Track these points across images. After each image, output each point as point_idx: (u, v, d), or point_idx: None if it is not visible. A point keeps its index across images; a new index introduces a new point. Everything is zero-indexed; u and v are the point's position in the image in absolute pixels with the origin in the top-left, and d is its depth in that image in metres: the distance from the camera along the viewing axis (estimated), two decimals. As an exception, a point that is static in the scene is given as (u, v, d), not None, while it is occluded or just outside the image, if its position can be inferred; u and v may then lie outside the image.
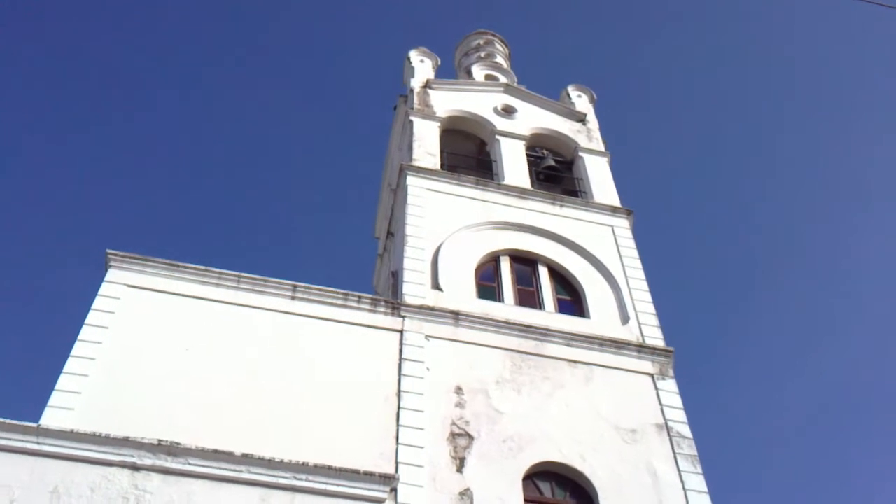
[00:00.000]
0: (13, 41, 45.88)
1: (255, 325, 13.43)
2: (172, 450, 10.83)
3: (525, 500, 11.97)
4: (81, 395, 11.55)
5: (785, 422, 38.94)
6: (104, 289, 13.20)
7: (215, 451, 10.95)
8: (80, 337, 12.33)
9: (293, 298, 13.97)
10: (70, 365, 11.89)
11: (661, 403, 13.91)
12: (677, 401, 13.99)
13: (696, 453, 13.18)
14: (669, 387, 14.23)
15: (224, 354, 12.80)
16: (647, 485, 12.57)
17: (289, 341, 13.33)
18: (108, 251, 13.57)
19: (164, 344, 12.70)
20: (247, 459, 10.99)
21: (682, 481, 12.70)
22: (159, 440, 10.89)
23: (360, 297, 14.24)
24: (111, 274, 13.43)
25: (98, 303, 12.97)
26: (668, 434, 13.41)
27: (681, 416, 13.76)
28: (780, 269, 44.00)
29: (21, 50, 46.24)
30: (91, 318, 12.68)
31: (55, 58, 47.80)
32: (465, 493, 11.76)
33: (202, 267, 13.89)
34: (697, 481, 12.76)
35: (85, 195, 45.45)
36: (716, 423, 35.86)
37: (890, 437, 37.00)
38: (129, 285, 13.36)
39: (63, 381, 11.64)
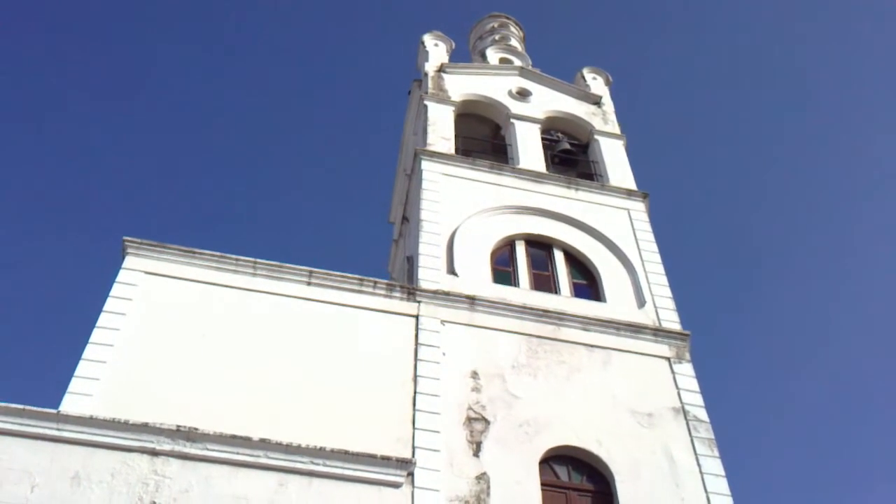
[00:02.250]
0: (38, 32, 46.07)
1: (271, 311, 13.48)
2: (191, 435, 10.91)
3: (542, 484, 11.99)
4: (100, 381, 11.64)
5: (801, 405, 38.78)
6: (122, 276, 13.28)
7: (233, 437, 11.02)
8: (98, 324, 12.41)
9: (309, 284, 14.00)
10: (89, 352, 11.98)
11: (677, 387, 13.88)
12: (694, 384, 13.95)
13: (712, 437, 13.15)
14: (686, 370, 14.19)
15: (241, 340, 12.86)
16: (663, 469, 12.56)
17: (305, 327, 13.37)
18: (125, 238, 13.64)
19: (182, 330, 12.77)
20: (264, 444, 11.06)
21: (699, 465, 12.68)
22: (178, 426, 10.97)
23: (375, 283, 14.26)
24: (128, 261, 13.50)
25: (116, 290, 13.05)
26: (685, 418, 13.38)
27: (697, 399, 13.72)
28: (796, 252, 43.73)
29: (41, 38, 46.43)
30: (109, 305, 12.76)
31: (73, 47, 47.98)
32: (482, 477, 11.79)
33: (219, 253, 13.93)
34: (714, 465, 12.73)
35: (103, 183, 45.74)
36: (733, 406, 35.75)
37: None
38: (146, 272, 13.43)
39: (82, 368, 11.74)
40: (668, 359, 14.37)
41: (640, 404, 13.47)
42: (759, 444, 37.63)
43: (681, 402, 13.66)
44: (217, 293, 13.52)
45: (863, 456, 36.62)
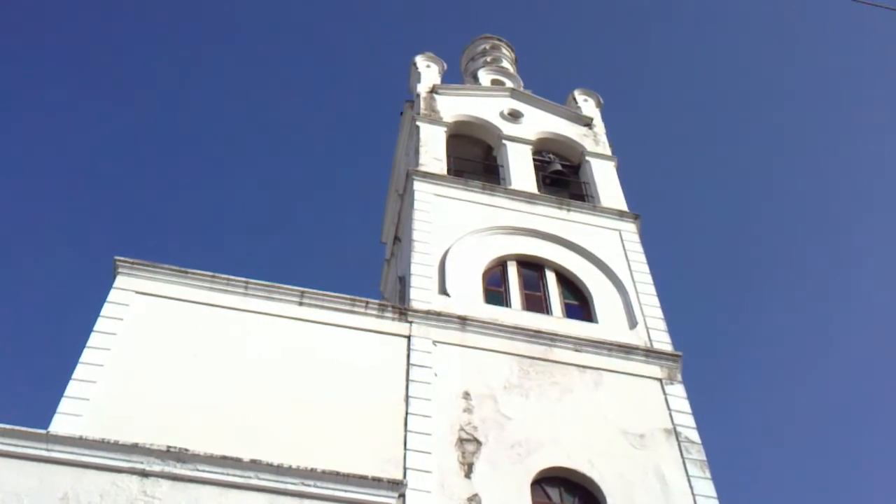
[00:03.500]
0: (22, 43, 46.11)
1: (263, 331, 13.46)
2: (181, 456, 10.83)
3: (534, 506, 11.95)
4: (90, 401, 11.58)
5: (794, 426, 38.80)
6: (113, 295, 13.24)
7: (223, 457, 10.94)
8: (88, 343, 12.36)
9: (301, 304, 13.99)
10: (79, 371, 11.93)
11: (669, 408, 13.89)
12: (686, 406, 13.96)
13: (704, 458, 13.15)
14: (678, 391, 14.20)
15: (232, 360, 12.83)
16: (655, 490, 12.54)
17: (297, 347, 13.34)
18: (117, 258, 13.61)
19: (173, 350, 12.73)
20: (255, 465, 10.98)
21: (690, 486, 12.67)
22: (168, 446, 10.89)
23: (367, 303, 14.26)
24: (119, 280, 13.47)
25: (106, 309, 13.01)
26: (677, 439, 13.38)
27: (689, 420, 13.73)
28: (787, 273, 43.92)
29: (30, 52, 46.48)
30: (100, 324, 12.72)
31: (62, 60, 48.02)
32: (474, 499, 11.75)
33: (210, 273, 13.92)
34: (706, 486, 12.72)
35: (93, 201, 45.63)
36: (725, 427, 35.73)
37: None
38: (137, 292, 13.40)
39: (72, 388, 11.68)
40: (659, 380, 14.39)
41: (632, 425, 13.47)
42: (752, 466, 37.59)
43: (672, 423, 13.66)
44: (209, 313, 13.50)
45: (856, 477, 36.62)
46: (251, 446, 11.35)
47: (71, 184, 45.53)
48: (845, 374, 39.48)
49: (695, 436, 13.49)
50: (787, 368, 40.90)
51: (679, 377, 14.48)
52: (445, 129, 19.89)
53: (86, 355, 12.16)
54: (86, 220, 44.59)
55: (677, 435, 13.44)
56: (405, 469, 11.82)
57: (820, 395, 39.72)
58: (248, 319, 13.58)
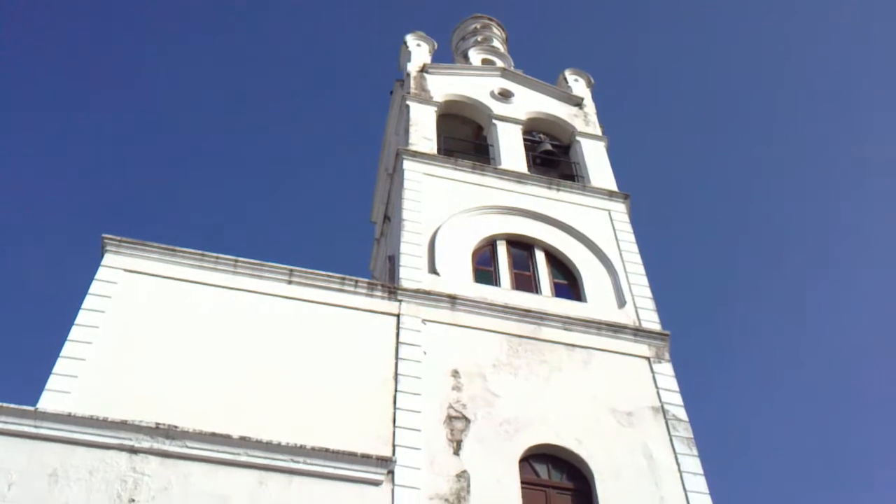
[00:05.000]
0: (9, 24, 45.64)
1: (252, 310, 13.44)
2: (170, 433, 10.87)
3: (521, 482, 12.03)
4: (79, 378, 11.57)
5: (781, 404, 39.08)
6: (101, 273, 13.20)
7: (213, 434, 10.99)
8: (77, 321, 12.33)
9: (290, 283, 13.97)
10: (67, 349, 11.90)
11: (657, 386, 13.97)
12: (673, 384, 14.05)
13: (691, 436, 13.24)
14: (665, 370, 14.29)
15: (221, 338, 12.82)
16: (643, 467, 12.64)
17: (286, 325, 13.34)
18: (105, 236, 13.56)
19: (162, 328, 12.71)
20: (244, 442, 11.03)
21: (678, 463, 12.77)
22: (157, 423, 10.92)
23: (357, 282, 14.26)
24: (108, 258, 13.42)
25: (95, 287, 12.97)
26: (665, 417, 13.47)
27: (677, 399, 13.82)
28: (777, 253, 44.08)
29: (16, 31, 46.01)
30: (88, 302, 12.68)
31: (54, 41, 47.58)
32: (462, 475, 11.81)
33: (199, 251, 13.88)
34: (693, 463, 12.83)
35: (82, 180, 45.38)
36: (712, 405, 36.02)
37: (888, 419, 37.17)
38: (126, 269, 13.36)
39: (60, 365, 11.66)
40: (647, 358, 14.47)
41: (620, 403, 13.55)
42: (739, 443, 37.90)
43: (660, 401, 13.75)
44: (197, 291, 13.47)
45: (845, 455, 36.98)
46: (241, 424, 11.39)
47: (59, 161, 45.26)
48: (834, 354, 39.80)
49: (682, 413, 13.58)
50: (775, 346, 41.15)
51: (667, 356, 14.56)
52: (435, 108, 19.82)
53: (74, 332, 12.13)
54: (75, 198, 44.38)
55: (665, 413, 13.53)
56: (394, 446, 11.87)
57: (808, 373, 40.01)
58: (238, 298, 13.56)
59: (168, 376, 11.99)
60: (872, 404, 38.03)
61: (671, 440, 13.12)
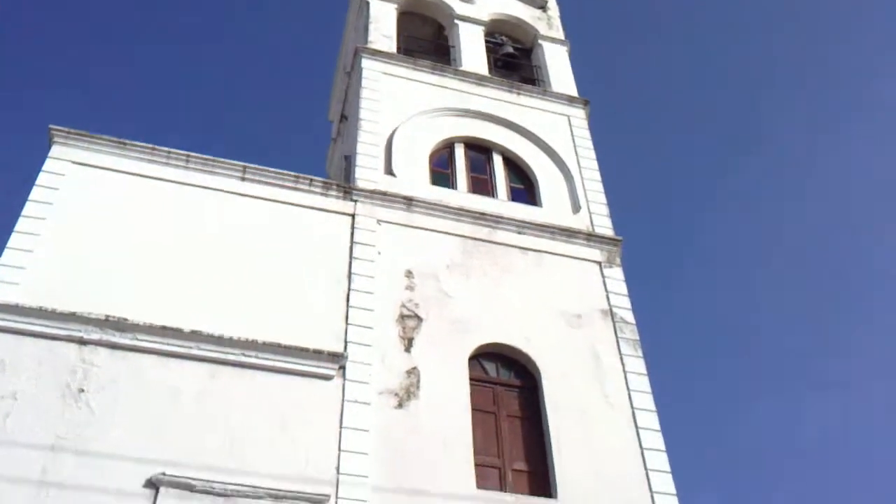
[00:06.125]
0: None
1: (204, 206, 13.30)
2: (120, 325, 10.88)
3: (470, 380, 12.32)
4: (27, 270, 11.42)
5: (726, 310, 40.03)
6: (48, 165, 12.89)
7: (163, 328, 11.03)
8: (24, 213, 12.09)
9: (243, 179, 13.81)
10: (14, 240, 11.69)
11: (606, 290, 14.24)
12: (622, 288, 14.32)
13: (637, 338, 13.59)
14: (616, 274, 14.54)
15: (173, 233, 12.70)
16: (589, 367, 12.99)
17: (239, 222, 13.24)
18: (52, 127, 13.18)
19: (111, 221, 12.53)
20: (195, 336, 11.10)
21: (623, 364, 13.14)
22: (107, 315, 10.92)
23: (311, 181, 14.14)
24: (55, 150, 13.10)
25: (42, 179, 12.68)
26: (612, 320, 13.78)
27: (625, 302, 14.12)
28: (734, 165, 44.41)
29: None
30: (35, 194, 12.41)
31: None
32: (413, 372, 12.05)
33: (150, 145, 13.59)
34: (638, 364, 13.21)
35: (28, 69, 43.83)
36: (660, 313, 36.93)
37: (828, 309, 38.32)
38: (74, 162, 13.06)
39: (7, 257, 11.48)
40: (599, 263, 14.69)
41: (570, 306, 13.81)
42: (685, 347, 39.04)
43: (609, 304, 14.04)
44: (148, 186, 13.26)
45: (787, 356, 38.25)
46: (192, 318, 11.43)
47: (5, 52, 43.56)
48: (786, 266, 40.62)
49: (629, 317, 13.90)
50: (727, 256, 41.91)
51: (618, 261, 14.80)
52: (396, 5, 19.33)
53: (21, 224, 11.91)
54: (21, 89, 42.96)
55: (613, 316, 13.84)
56: (346, 342, 12.02)
57: (759, 284, 40.96)
58: (190, 193, 13.38)
59: (118, 270, 11.88)
60: (830, 286, 39.05)
61: (618, 342, 13.46)
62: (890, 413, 34.43)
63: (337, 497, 10.37)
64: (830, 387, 36.18)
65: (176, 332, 11.02)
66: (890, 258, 38.56)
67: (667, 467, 12.02)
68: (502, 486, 11.46)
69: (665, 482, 11.85)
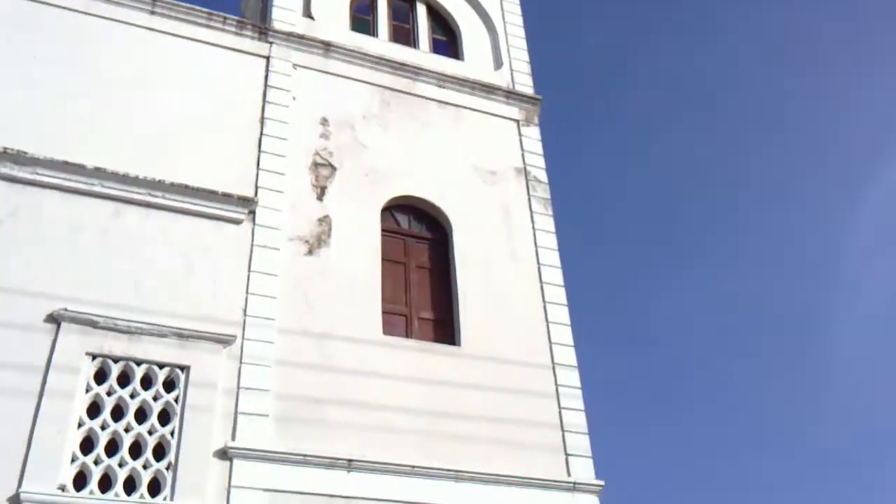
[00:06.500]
0: None
1: (110, 38, 12.62)
2: (18, 158, 10.48)
3: (382, 230, 12.42)
4: (-85, 96, 10.78)
5: (643, 178, 40.80)
6: (-64, -15, 11.97)
7: (66, 163, 10.69)
8: (-90, 35, 11.31)
9: (153, 13, 13.12)
10: None
11: (522, 149, 14.34)
12: (538, 147, 14.44)
13: (549, 197, 13.84)
14: (533, 133, 14.62)
15: (76, 66, 12.07)
16: (499, 222, 13.22)
17: (147, 59, 12.67)
18: (-61, -59, 12.15)
19: (9, 50, 11.82)
20: (99, 173, 10.80)
21: (532, 221, 13.42)
22: (4, 148, 10.49)
23: (225, 18, 13.53)
24: (-56, -32, 12.13)
25: (-71, -1, 11.81)
26: (526, 178, 13.95)
27: (540, 161, 14.27)
28: (667, 29, 44.21)
29: None
30: (-78, 14, 11.58)
31: None
32: (324, 220, 12.06)
33: (50, -30, 12.69)
34: (547, 222, 13.51)
35: None
36: (576, 175, 37.47)
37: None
38: (-35, -17, 12.15)
39: None
40: (517, 121, 14.72)
41: (486, 162, 13.89)
42: (597, 209, 39.83)
43: (524, 163, 14.17)
44: (50, 14, 12.46)
45: (703, 234, 39.59)
46: (96, 155, 11.08)
47: None
48: (701, 125, 41.15)
49: (543, 176, 14.09)
50: (648, 124, 42.26)
51: (536, 120, 14.84)
52: None
53: None
54: None
55: (527, 174, 14.00)
56: (257, 188, 11.88)
57: (671, 151, 41.57)
58: (94, 24, 12.65)
59: (16, 101, 11.29)
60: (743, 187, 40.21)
61: (529, 200, 13.69)
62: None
63: (243, 338, 10.50)
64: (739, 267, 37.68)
65: (78, 168, 10.68)
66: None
67: (567, 320, 12.52)
68: (408, 333, 11.78)
69: (564, 334, 12.37)
